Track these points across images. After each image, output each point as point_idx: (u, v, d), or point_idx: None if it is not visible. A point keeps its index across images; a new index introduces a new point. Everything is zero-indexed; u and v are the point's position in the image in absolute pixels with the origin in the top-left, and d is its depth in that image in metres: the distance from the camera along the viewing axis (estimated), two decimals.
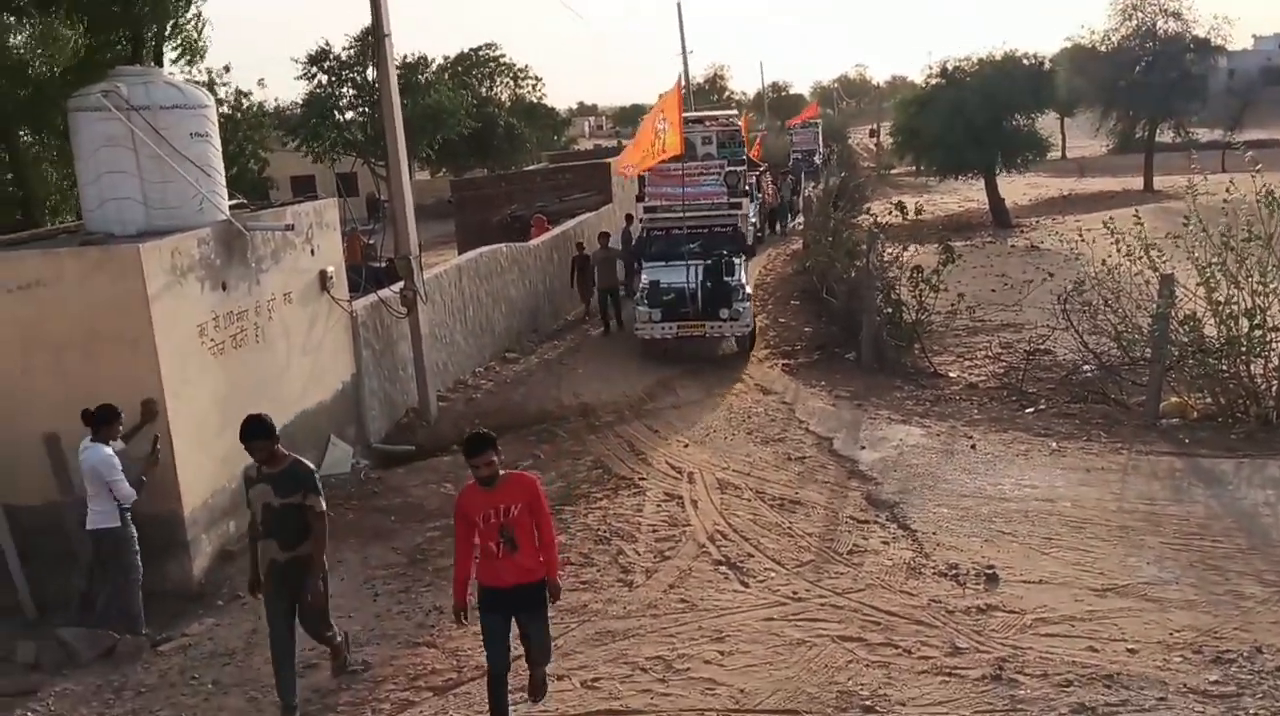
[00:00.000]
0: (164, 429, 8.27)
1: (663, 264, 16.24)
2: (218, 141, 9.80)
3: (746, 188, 18.19)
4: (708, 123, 18.68)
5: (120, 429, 7.77)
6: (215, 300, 9.11)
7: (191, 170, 9.08)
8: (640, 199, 17.59)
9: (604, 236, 19.86)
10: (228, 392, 9.15)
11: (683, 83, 16.57)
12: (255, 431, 6.32)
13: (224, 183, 9.83)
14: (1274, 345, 11.01)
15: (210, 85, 18.07)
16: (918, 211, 19.12)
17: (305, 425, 10.56)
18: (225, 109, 31.41)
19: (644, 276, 16.18)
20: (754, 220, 18.30)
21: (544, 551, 6.02)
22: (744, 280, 16.01)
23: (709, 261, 15.70)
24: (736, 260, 16.08)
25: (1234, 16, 58.42)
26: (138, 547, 7.75)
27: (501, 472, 5.93)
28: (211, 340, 9.01)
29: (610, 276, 18.51)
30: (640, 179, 17.44)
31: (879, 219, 18.07)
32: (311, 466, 6.61)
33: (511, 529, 5.88)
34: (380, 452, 11.82)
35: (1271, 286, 11.01)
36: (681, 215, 16.58)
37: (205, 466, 8.79)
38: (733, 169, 17.50)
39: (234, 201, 11.05)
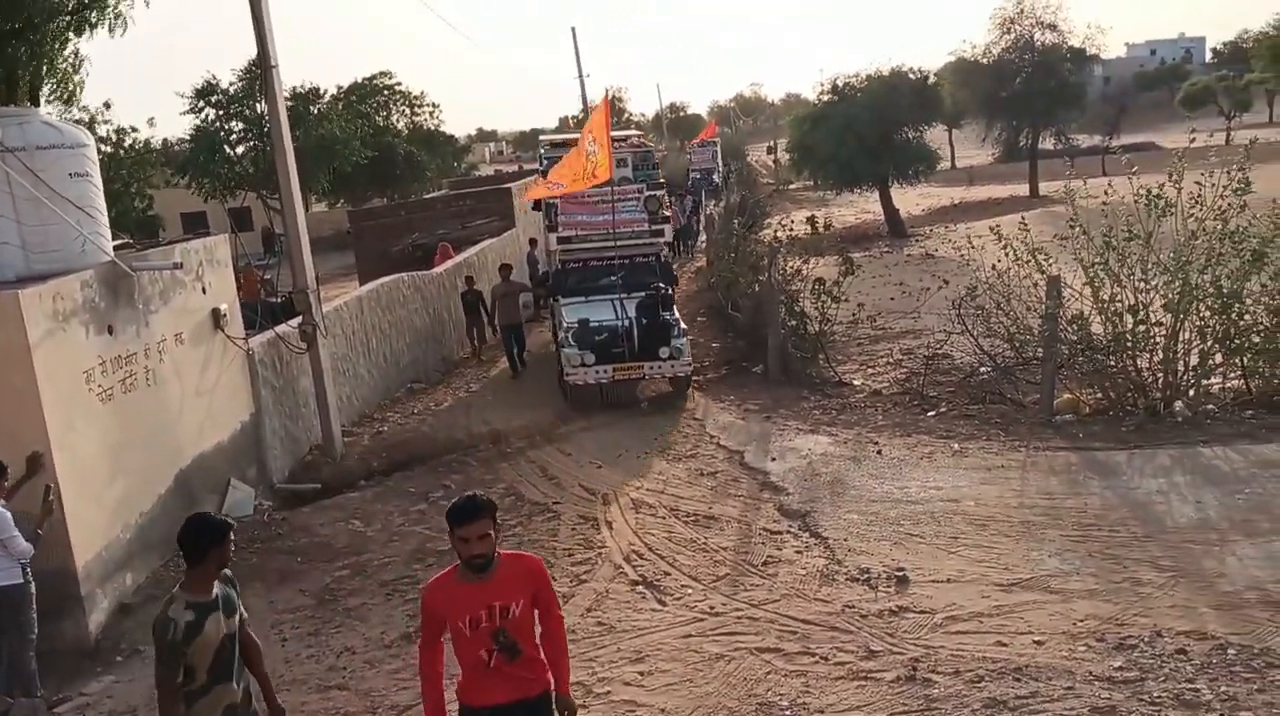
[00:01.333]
0: (52, 480, 7.91)
1: (583, 300, 15.00)
2: (99, 180, 9.47)
3: (667, 213, 16.87)
4: (620, 144, 17.31)
5: (5, 485, 7.41)
6: (102, 344, 8.78)
7: (72, 211, 8.77)
8: (552, 229, 16.00)
9: (505, 268, 18.38)
10: (118, 440, 8.82)
11: (608, 101, 15.53)
12: (210, 536, 4.65)
13: (107, 223, 9.51)
14: (1157, 339, 11.46)
15: (91, 123, 17.47)
16: (826, 226, 19.38)
17: (203, 469, 10.24)
18: (107, 147, 30.57)
19: (565, 314, 14.72)
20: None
21: (554, 658, 4.57)
22: (678, 314, 14.88)
23: (644, 296, 14.38)
24: (671, 292, 14.89)
25: (1107, 25, 61.02)
26: (34, 607, 7.38)
27: (497, 554, 4.41)
28: (99, 386, 8.67)
29: (513, 312, 17.17)
30: (549, 206, 16.12)
31: (779, 233, 18.34)
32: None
33: (512, 634, 4.40)
34: (284, 492, 11.52)
35: (1152, 283, 11.47)
36: (602, 245, 15.48)
37: (97, 518, 8.45)
38: (652, 193, 16.04)
39: (119, 241, 10.71)
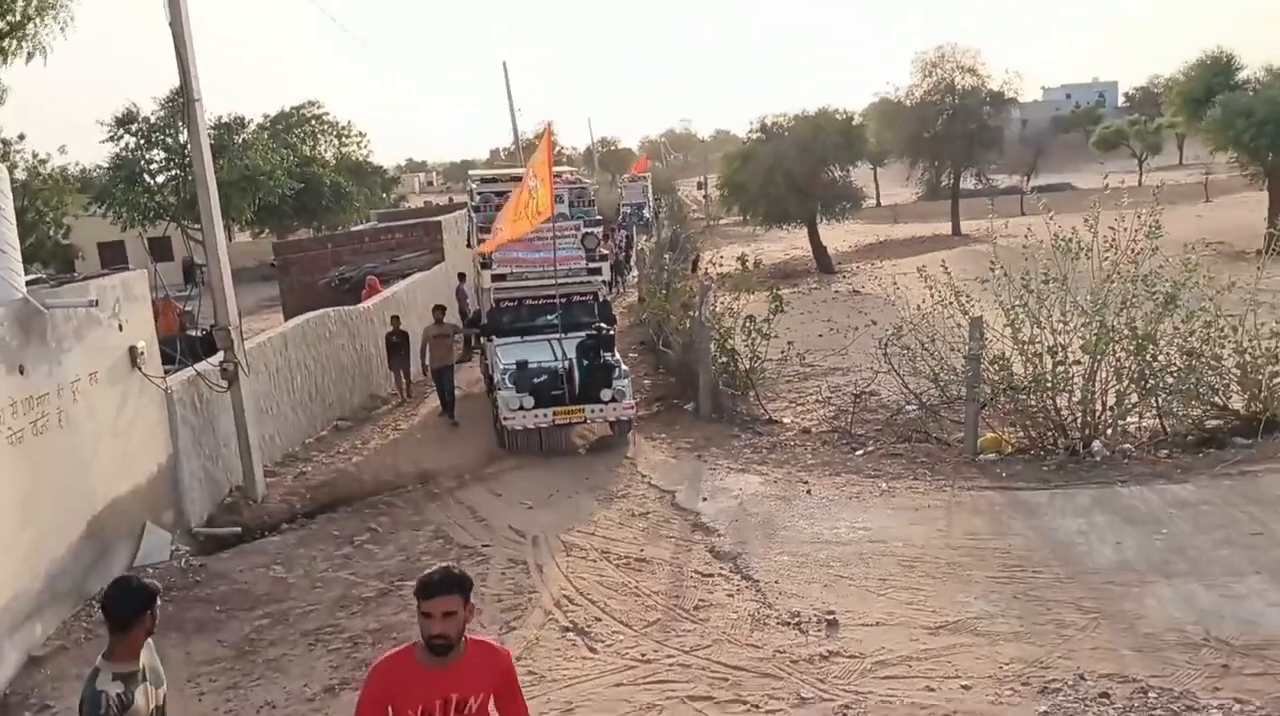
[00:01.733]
0: None
1: (518, 340, 14.53)
2: (11, 215, 9.15)
3: (605, 251, 16.38)
4: (556, 180, 16.65)
5: None
6: (12, 385, 8.44)
7: None
8: (486, 265, 15.29)
9: (439, 309, 17.23)
10: (29, 485, 8.47)
11: (551, 133, 14.95)
12: (138, 602, 4.29)
13: (19, 258, 9.17)
14: (1076, 380, 11.76)
15: (4, 154, 16.96)
16: (756, 264, 19.57)
17: (118, 513, 9.87)
18: (21, 174, 29.70)
19: (501, 355, 14.12)
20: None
21: None
22: (618, 355, 14.40)
23: (584, 336, 13.87)
24: (612, 333, 14.46)
25: (1023, 70, 63.20)
26: None
27: (466, 638, 4.02)
28: (9, 428, 8.32)
29: (446, 354, 16.38)
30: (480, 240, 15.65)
31: (709, 269, 18.46)
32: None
33: None
34: (202, 537, 11.15)
35: (1070, 325, 11.79)
36: (539, 283, 14.90)
37: (5, 567, 8.08)
38: (589, 231, 15.51)
39: (32, 276, 10.34)
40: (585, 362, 13.61)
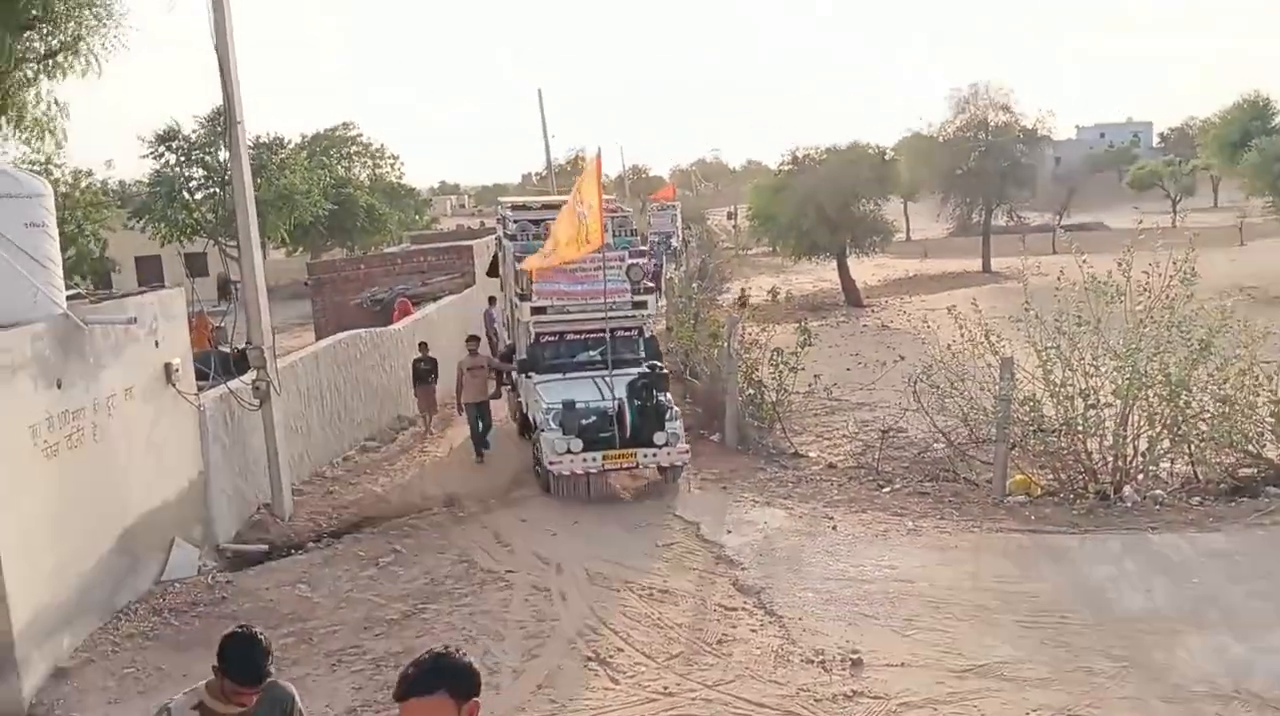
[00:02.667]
0: None
1: (560, 377, 13.54)
2: (54, 231, 9.32)
3: (651, 283, 15.41)
4: None
5: None
6: (50, 399, 8.57)
7: (25, 262, 8.60)
8: (525, 297, 14.36)
9: (472, 340, 16.49)
10: (62, 498, 8.58)
11: (601, 160, 13.59)
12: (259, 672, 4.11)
13: (60, 274, 9.34)
14: (1107, 424, 11.66)
15: (46, 165, 17.29)
16: (787, 298, 19.53)
17: (148, 527, 9.98)
18: (63, 188, 30.23)
19: (544, 394, 13.18)
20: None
21: None
22: (669, 395, 13.38)
23: (636, 375, 12.99)
24: (665, 371, 13.51)
25: (1057, 109, 63.23)
26: None
27: None
28: (45, 442, 8.45)
29: (480, 388, 15.53)
30: (521, 273, 14.63)
31: (738, 300, 18.48)
32: (285, 686, 4.34)
33: None
34: (230, 553, 11.24)
35: (1102, 369, 11.71)
36: (582, 317, 14.03)
37: (36, 578, 8.17)
38: (634, 262, 14.44)
39: (72, 291, 10.52)
40: (637, 403, 12.68)
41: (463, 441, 16.42)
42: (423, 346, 17.71)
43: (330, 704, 7.73)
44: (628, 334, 14.13)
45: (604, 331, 13.57)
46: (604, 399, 12.79)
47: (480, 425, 15.26)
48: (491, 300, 23.40)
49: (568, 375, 13.55)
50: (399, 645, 8.67)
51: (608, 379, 13.03)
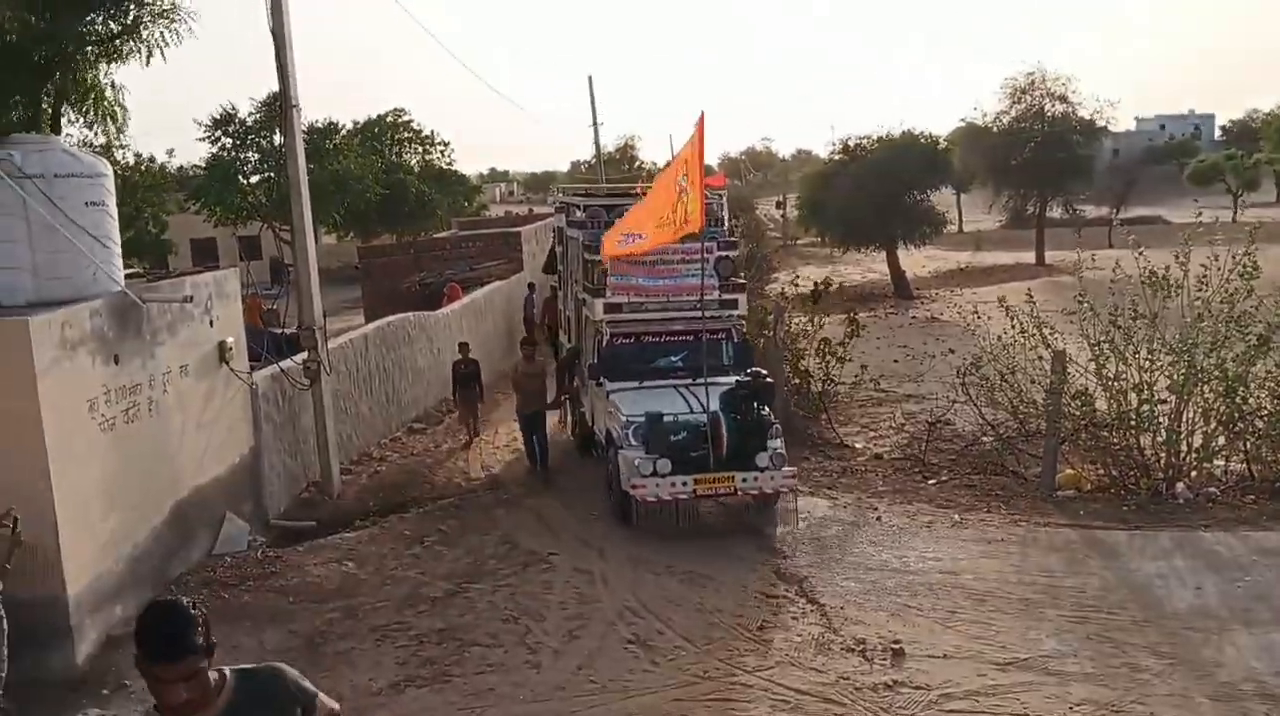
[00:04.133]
0: (49, 509, 7.87)
1: (636, 386, 11.87)
2: (114, 210, 9.53)
3: (742, 280, 13.61)
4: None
5: None
6: (107, 374, 8.77)
7: (86, 240, 8.80)
8: (597, 293, 12.58)
9: (528, 346, 14.83)
10: (118, 470, 8.79)
11: (704, 124, 10.83)
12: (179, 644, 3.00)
13: (120, 253, 9.54)
14: (1161, 419, 11.46)
15: (108, 148, 17.65)
16: (827, 286, 19.27)
17: (200, 502, 10.19)
18: (124, 171, 30.83)
19: (621, 405, 11.45)
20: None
21: None
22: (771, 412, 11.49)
23: (735, 383, 11.17)
24: (770, 380, 11.56)
25: (1116, 99, 61.81)
26: (5, 642, 7.23)
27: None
28: (102, 416, 8.65)
29: (538, 398, 13.90)
30: (590, 264, 12.93)
31: (785, 290, 18.35)
32: (283, 670, 3.45)
33: None
34: (279, 529, 11.45)
35: (1158, 363, 11.50)
36: (663, 315, 12.41)
37: (91, 548, 8.39)
38: (724, 254, 12.67)
39: (130, 270, 10.75)
40: (735, 417, 10.88)
41: (507, 420, 15.82)
42: (463, 347, 16.44)
43: (374, 677, 7.86)
44: (715, 337, 12.37)
45: (688, 334, 12.16)
46: (694, 412, 11.14)
47: (537, 439, 13.72)
48: (531, 286, 23.50)
49: (644, 383, 11.95)
50: (442, 622, 8.79)
51: (698, 389, 11.35)
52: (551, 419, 14.90)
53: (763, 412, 11.05)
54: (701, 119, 10.80)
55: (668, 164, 14.09)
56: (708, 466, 10.69)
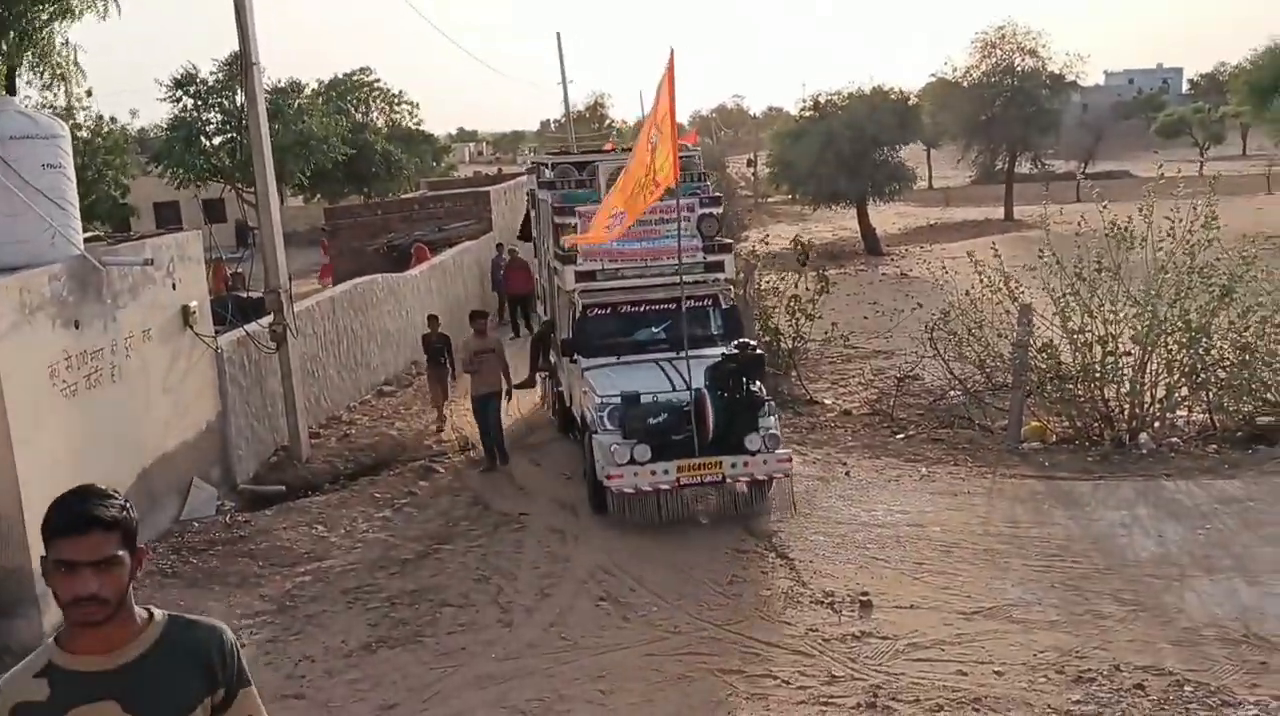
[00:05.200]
0: (11, 477, 7.79)
1: (614, 361, 10.74)
2: (72, 172, 9.37)
3: (728, 240, 12.34)
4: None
5: None
6: (68, 339, 8.65)
7: (43, 203, 8.66)
8: (567, 259, 11.39)
9: (479, 317, 12.95)
10: (81, 437, 8.70)
11: (673, 69, 9.59)
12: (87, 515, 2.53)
13: (78, 215, 9.40)
14: (1125, 371, 11.59)
15: (69, 110, 17.28)
16: (809, 246, 19.07)
17: (167, 467, 10.12)
18: (85, 133, 30.25)
19: (596, 383, 10.34)
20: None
21: None
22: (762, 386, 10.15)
23: (722, 357, 9.77)
24: (760, 352, 10.21)
25: (1086, 54, 61.90)
26: None
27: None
28: (64, 382, 8.55)
29: (492, 377, 12.28)
30: (560, 227, 11.67)
31: (755, 249, 18.36)
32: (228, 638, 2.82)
33: None
34: (248, 494, 11.41)
35: (1122, 315, 11.60)
36: (642, 282, 11.25)
37: None
38: (707, 212, 11.58)
39: (90, 233, 10.58)
40: (722, 395, 9.64)
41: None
42: (432, 320, 15.22)
43: (346, 639, 7.87)
44: (700, 304, 11.25)
45: (671, 302, 10.88)
46: (676, 389, 9.97)
47: (493, 426, 12.19)
48: (499, 247, 23.28)
49: (623, 358, 10.81)
50: (414, 584, 8.81)
51: (681, 364, 10.10)
52: (532, 396, 14.33)
53: (753, 389, 9.76)
54: (671, 59, 9.55)
55: (639, 122, 13.74)
56: (693, 451, 9.56)
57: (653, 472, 9.39)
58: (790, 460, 9.79)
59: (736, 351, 9.76)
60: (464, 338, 13.07)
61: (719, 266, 11.51)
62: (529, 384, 13.86)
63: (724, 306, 11.46)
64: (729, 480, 9.60)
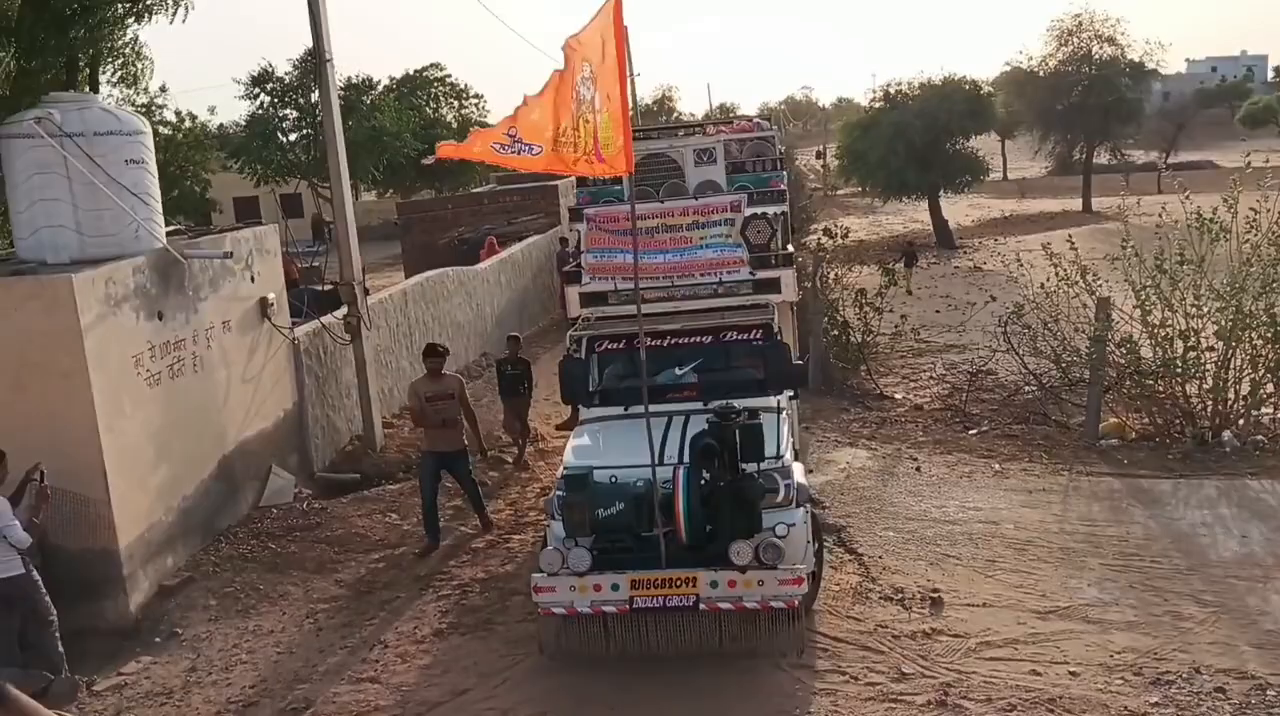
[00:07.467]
0: (98, 463, 8.06)
1: (620, 413, 8.11)
2: (154, 168, 9.62)
3: (789, 249, 9.60)
4: (711, 130, 10.11)
5: (5, 473, 7.42)
6: (151, 330, 8.92)
7: (127, 197, 8.90)
8: (571, 278, 9.44)
9: (433, 356, 10.01)
10: (164, 424, 8.96)
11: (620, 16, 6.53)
12: None
13: (160, 209, 9.65)
14: (1207, 366, 11.27)
15: (149, 108, 17.71)
16: (845, 235, 18.64)
17: (246, 455, 10.37)
18: (166, 130, 31.08)
19: (570, 449, 8.12)
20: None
21: None
22: (786, 454, 7.60)
23: (707, 423, 7.11)
24: (779, 403, 8.04)
25: (1167, 41, 60.15)
26: (44, 591, 7.40)
27: None
28: (147, 371, 8.81)
29: (448, 433, 9.77)
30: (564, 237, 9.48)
31: (821, 241, 18.17)
32: None
33: None
34: (324, 481, 11.63)
35: (1205, 309, 11.28)
36: (666, 305, 8.74)
37: (141, 500, 8.59)
38: (760, 212, 9.00)
39: (172, 227, 10.87)
40: (708, 476, 6.93)
41: (548, 375, 12.71)
42: (512, 342, 13.32)
43: (418, 625, 8.01)
44: (744, 337, 8.47)
45: (703, 333, 8.49)
46: (659, 464, 6.99)
47: (431, 496, 9.61)
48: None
49: (630, 410, 7.91)
50: (484, 572, 8.93)
51: (698, 419, 7.42)
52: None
53: (747, 471, 6.99)
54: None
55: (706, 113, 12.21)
56: (657, 560, 6.76)
57: (596, 588, 6.66)
58: (802, 581, 6.68)
59: (722, 413, 7.10)
60: (411, 381, 10.71)
61: (773, 285, 8.82)
62: (567, 426, 11.01)
63: (772, 341, 8.37)
64: (704, 603, 6.61)
